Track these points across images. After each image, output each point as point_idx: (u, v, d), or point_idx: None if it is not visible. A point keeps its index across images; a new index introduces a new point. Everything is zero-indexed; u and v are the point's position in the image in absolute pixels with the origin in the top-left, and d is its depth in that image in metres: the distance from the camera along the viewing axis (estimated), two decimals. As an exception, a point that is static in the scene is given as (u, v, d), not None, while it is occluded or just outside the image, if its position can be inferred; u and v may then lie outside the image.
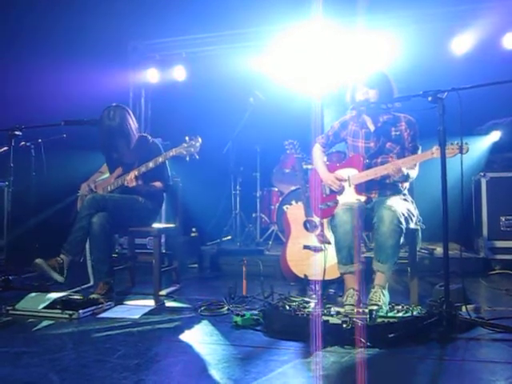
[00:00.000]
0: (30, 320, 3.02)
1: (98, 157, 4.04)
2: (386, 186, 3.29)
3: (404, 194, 3.33)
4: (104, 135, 3.75)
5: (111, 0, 5.46)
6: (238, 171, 5.76)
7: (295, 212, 4.23)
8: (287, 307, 2.85)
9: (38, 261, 3.34)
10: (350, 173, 3.34)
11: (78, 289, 3.74)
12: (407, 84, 3.40)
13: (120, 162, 3.83)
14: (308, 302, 2.97)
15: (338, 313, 2.73)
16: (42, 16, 5.28)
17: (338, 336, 2.48)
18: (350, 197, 3.29)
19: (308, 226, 4.15)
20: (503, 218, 4.69)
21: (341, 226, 3.08)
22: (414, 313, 2.70)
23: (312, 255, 4.02)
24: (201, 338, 2.70)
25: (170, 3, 5.67)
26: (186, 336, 2.73)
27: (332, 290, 3.40)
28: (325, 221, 3.71)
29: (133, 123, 3.82)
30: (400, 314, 2.70)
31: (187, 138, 3.54)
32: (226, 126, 5.63)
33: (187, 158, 3.52)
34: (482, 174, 4.77)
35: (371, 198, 3.27)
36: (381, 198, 3.21)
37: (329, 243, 3.71)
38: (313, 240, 4.07)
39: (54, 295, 3.26)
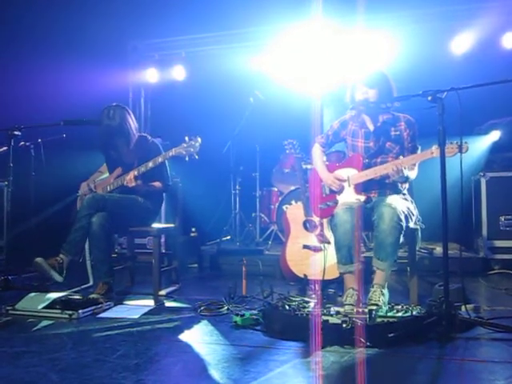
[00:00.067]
0: (30, 320, 3.02)
1: (98, 157, 4.04)
2: (385, 186, 3.29)
3: (404, 194, 3.33)
4: (103, 135, 3.75)
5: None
6: (237, 171, 5.76)
7: (295, 212, 4.23)
8: (287, 307, 2.84)
9: (38, 260, 3.34)
10: (349, 172, 3.34)
11: (77, 289, 3.74)
12: (407, 84, 3.40)
13: (119, 162, 3.83)
14: (308, 302, 2.96)
15: (337, 312, 2.73)
16: (41, 15, 5.27)
17: (337, 336, 2.48)
18: (349, 196, 3.29)
19: (308, 225, 4.15)
20: (503, 218, 4.69)
21: (341, 225, 3.08)
22: (414, 312, 2.70)
23: (312, 255, 4.02)
24: (200, 337, 2.70)
25: (170, 3, 5.67)
26: (186, 336, 2.73)
27: (332, 289, 3.40)
28: (324, 220, 3.72)
29: (132, 123, 3.82)
30: (400, 314, 2.70)
31: (187, 138, 3.54)
32: (226, 126, 5.63)
33: (186, 158, 3.52)
34: (482, 173, 4.77)
35: (371, 198, 3.27)
36: (380, 198, 3.21)
37: (328, 243, 3.71)
38: (312, 240, 4.07)
39: (53, 295, 3.26)
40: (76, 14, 5.37)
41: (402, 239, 3.04)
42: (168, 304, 3.50)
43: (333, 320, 2.60)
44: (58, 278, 3.37)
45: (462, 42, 5.43)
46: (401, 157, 3.18)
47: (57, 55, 5.17)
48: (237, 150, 5.69)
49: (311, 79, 5.81)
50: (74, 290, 3.68)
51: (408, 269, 3.34)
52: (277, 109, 5.65)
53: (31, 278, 4.13)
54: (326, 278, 3.51)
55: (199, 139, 3.53)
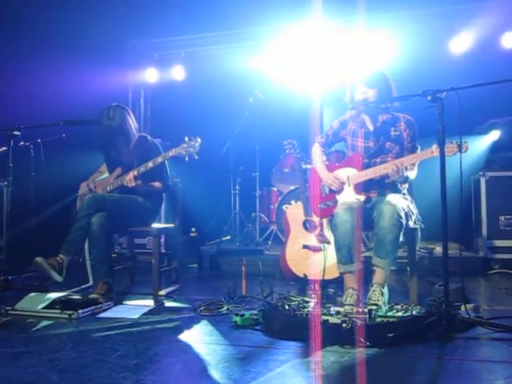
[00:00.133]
0: (30, 320, 3.02)
1: (98, 156, 4.04)
2: (385, 186, 3.29)
3: (403, 194, 3.33)
4: (103, 135, 3.75)
5: (110, -1, 5.47)
6: (237, 171, 5.76)
7: (294, 212, 4.23)
8: (287, 307, 2.84)
9: (38, 259, 3.34)
10: (349, 172, 3.34)
11: (77, 289, 3.74)
12: (406, 83, 3.40)
13: (119, 162, 3.83)
14: (307, 302, 2.96)
15: (337, 312, 2.73)
16: (41, 15, 5.27)
17: (337, 336, 2.48)
18: (349, 196, 3.29)
19: (307, 225, 4.15)
20: (502, 218, 4.69)
21: (341, 225, 3.08)
22: (414, 312, 2.70)
23: (311, 255, 4.02)
24: (200, 337, 2.70)
25: (169, 3, 5.67)
26: (186, 336, 2.73)
27: (331, 289, 3.40)
28: (324, 220, 3.72)
29: (132, 123, 3.81)
30: (399, 314, 2.70)
31: (186, 139, 3.54)
32: (226, 126, 5.63)
33: (186, 159, 3.52)
34: (482, 173, 4.77)
35: (370, 198, 3.26)
36: (380, 198, 3.21)
37: (328, 243, 3.71)
38: (312, 240, 4.07)
39: (53, 295, 3.26)
40: (75, 14, 5.37)
41: (401, 238, 3.04)
42: (168, 304, 3.50)
43: (333, 320, 2.60)
44: (58, 277, 3.37)
45: (462, 42, 5.43)
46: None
47: (56, 55, 5.17)
48: (236, 150, 5.69)
49: (311, 79, 5.81)
50: (73, 290, 3.68)
51: (408, 268, 3.34)
52: (276, 109, 5.65)
53: (31, 277, 4.13)
54: (326, 277, 3.51)
55: (199, 139, 3.53)
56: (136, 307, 3.37)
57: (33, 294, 3.30)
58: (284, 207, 4.53)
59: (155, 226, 3.92)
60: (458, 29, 5.40)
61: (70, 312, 3.04)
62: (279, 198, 5.38)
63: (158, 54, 6.49)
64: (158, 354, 2.42)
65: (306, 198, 4.10)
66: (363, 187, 3.28)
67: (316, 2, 4.99)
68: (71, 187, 4.22)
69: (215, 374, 2.14)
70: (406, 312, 2.71)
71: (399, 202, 3.08)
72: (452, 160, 2.77)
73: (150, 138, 3.93)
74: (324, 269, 3.48)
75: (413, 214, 3.21)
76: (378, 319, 2.61)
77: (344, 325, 2.50)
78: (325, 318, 2.63)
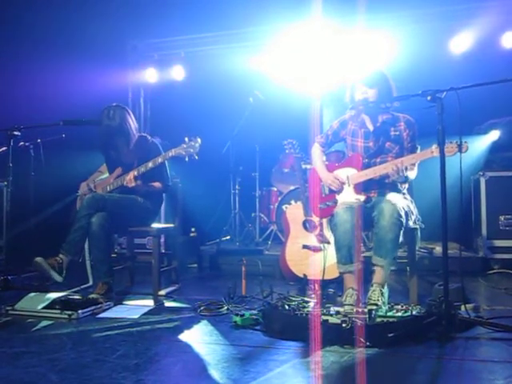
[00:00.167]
0: (30, 320, 3.02)
1: (97, 156, 4.04)
2: (385, 186, 3.29)
3: (403, 194, 3.33)
4: (103, 135, 3.75)
5: (110, -1, 5.47)
6: (237, 171, 5.76)
7: (294, 212, 4.23)
8: (286, 307, 2.85)
9: (38, 259, 3.34)
10: (349, 172, 3.33)
11: (77, 289, 3.74)
12: (406, 83, 3.40)
13: (119, 162, 3.83)
14: (307, 302, 2.97)
15: (337, 312, 2.73)
16: (41, 15, 5.27)
17: (337, 336, 2.49)
18: (349, 196, 3.29)
19: (307, 225, 4.15)
20: (502, 218, 4.69)
21: (341, 225, 3.08)
22: (414, 312, 2.70)
23: (311, 255, 4.02)
24: (200, 337, 2.70)
25: (169, 3, 5.66)
26: (186, 336, 2.73)
27: (331, 289, 3.40)
28: (324, 220, 3.71)
29: (132, 123, 3.81)
30: (399, 314, 2.70)
31: (186, 139, 3.53)
32: (225, 126, 5.63)
33: (186, 159, 3.52)
34: (481, 173, 4.77)
35: (370, 198, 3.26)
36: (380, 198, 3.21)
37: (328, 243, 3.71)
38: (312, 240, 4.07)
39: (53, 295, 3.26)
40: (75, 14, 5.37)
41: (401, 238, 3.03)
42: (168, 304, 3.50)
43: (332, 320, 2.61)
44: (58, 277, 3.37)
45: (462, 42, 5.43)
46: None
47: (56, 55, 5.17)
48: (236, 150, 5.69)
49: (311, 79, 5.81)
50: (73, 290, 3.68)
51: (408, 268, 3.34)
52: (276, 109, 5.65)
53: (31, 278, 4.13)
54: (326, 277, 3.51)
55: (199, 140, 3.53)
56: (136, 307, 3.37)
57: (33, 294, 3.30)
58: (284, 207, 4.53)
59: (155, 226, 3.92)
60: (458, 29, 5.40)
61: (69, 312, 3.04)
62: (279, 198, 5.38)
63: (158, 53, 6.49)
64: (157, 353, 2.42)
65: (306, 198, 4.10)
66: (363, 187, 3.28)
67: (316, 1, 4.99)
68: (71, 187, 4.22)
69: (215, 373, 2.14)
70: (405, 312, 2.72)
71: (399, 201, 3.08)
72: (452, 160, 2.77)
73: (149, 137, 3.93)
74: (324, 269, 3.48)
75: (413, 213, 3.21)
76: (378, 319, 2.61)
77: (344, 325, 2.50)
78: (325, 318, 2.63)
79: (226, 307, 3.19)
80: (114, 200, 3.63)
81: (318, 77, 5.75)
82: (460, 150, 2.79)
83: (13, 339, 2.65)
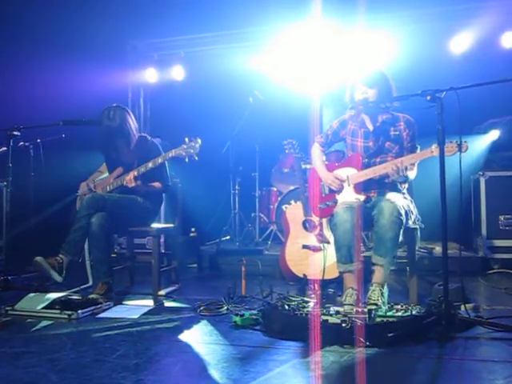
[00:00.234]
0: (29, 320, 3.02)
1: (97, 156, 4.04)
2: (385, 186, 3.29)
3: (403, 193, 3.33)
4: (104, 135, 3.75)
5: (110, -1, 5.47)
6: (236, 171, 5.76)
7: (294, 212, 4.23)
8: (286, 307, 2.85)
9: (38, 259, 3.34)
10: (348, 172, 3.34)
11: (77, 289, 3.74)
12: (406, 83, 3.40)
13: (119, 162, 3.83)
14: (307, 302, 2.97)
15: (337, 312, 2.73)
16: (40, 15, 5.26)
17: (337, 335, 2.48)
18: (349, 196, 3.29)
19: (307, 225, 4.15)
20: (502, 217, 4.69)
21: (341, 224, 3.08)
22: (413, 312, 2.70)
23: (311, 255, 4.02)
24: (200, 337, 2.70)
25: (169, 3, 5.66)
26: (186, 336, 2.73)
27: (331, 289, 3.40)
28: (324, 220, 3.72)
29: (133, 123, 3.81)
30: (399, 314, 2.70)
31: (187, 140, 3.53)
32: (225, 126, 5.63)
33: (186, 160, 3.52)
34: (481, 173, 4.77)
35: (370, 198, 3.26)
36: (380, 197, 3.21)
37: (328, 243, 3.71)
38: (312, 239, 4.07)
39: (53, 295, 3.26)
40: (75, 14, 5.37)
41: (401, 238, 3.03)
42: (167, 304, 3.50)
43: (332, 320, 2.60)
44: (58, 277, 3.37)
45: (462, 42, 5.43)
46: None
47: (56, 55, 5.17)
48: (236, 150, 5.69)
49: (311, 79, 5.81)
50: (73, 290, 3.67)
51: (407, 268, 3.34)
52: (276, 109, 5.65)
53: (31, 278, 4.13)
54: (326, 277, 3.51)
55: (199, 140, 3.52)
56: (136, 307, 3.37)
57: (32, 295, 3.30)
58: (284, 207, 4.53)
59: (155, 225, 3.92)
60: (458, 29, 5.40)
61: (69, 312, 3.04)
62: (279, 198, 5.39)
63: (158, 53, 6.49)
64: (157, 353, 2.42)
65: (306, 198, 4.10)
66: (363, 187, 3.28)
67: (316, 1, 4.99)
68: (71, 187, 4.22)
69: (215, 373, 2.14)
70: (405, 312, 2.72)
71: (399, 200, 3.09)
72: (451, 160, 2.78)
73: (149, 138, 3.93)
74: (324, 269, 3.48)
75: (412, 213, 3.21)
76: (378, 319, 2.61)
77: (344, 325, 2.50)
78: (324, 317, 2.63)
79: (225, 307, 3.19)
80: (113, 200, 3.63)
81: (317, 77, 5.75)
82: (460, 150, 2.79)
83: (13, 339, 2.65)
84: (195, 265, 5.21)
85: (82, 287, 3.81)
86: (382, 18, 5.42)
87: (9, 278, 3.77)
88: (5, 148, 3.86)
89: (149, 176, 3.70)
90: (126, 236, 4.53)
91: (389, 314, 2.71)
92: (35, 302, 3.17)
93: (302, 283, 3.79)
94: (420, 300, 3.17)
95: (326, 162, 3.57)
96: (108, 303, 3.33)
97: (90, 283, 3.83)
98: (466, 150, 2.84)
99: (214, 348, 2.49)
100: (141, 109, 6.63)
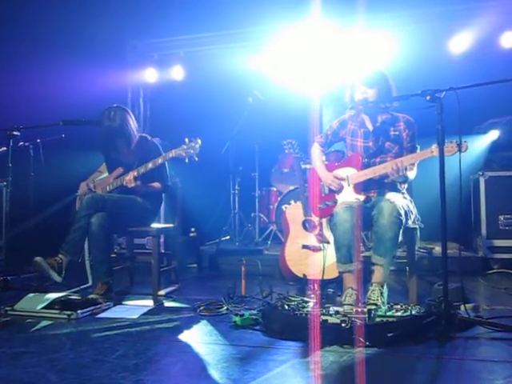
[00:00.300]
0: (29, 320, 3.02)
1: (97, 156, 4.04)
2: (384, 186, 3.29)
3: (403, 193, 3.33)
4: (104, 136, 3.74)
5: (109, -1, 5.46)
6: (236, 171, 5.76)
7: (294, 212, 4.23)
8: (286, 307, 2.85)
9: (38, 259, 3.33)
10: (348, 172, 3.34)
11: (76, 289, 3.74)
12: (406, 83, 3.40)
13: (119, 163, 3.82)
14: (307, 302, 2.97)
15: (336, 312, 2.73)
16: (40, 15, 5.26)
17: (336, 335, 2.48)
18: (348, 196, 3.29)
19: (307, 225, 4.15)
20: (502, 217, 4.69)
21: (340, 224, 3.08)
22: (413, 312, 2.70)
23: (311, 255, 4.02)
24: (200, 337, 2.70)
25: (169, 3, 5.66)
26: (185, 336, 2.73)
27: (331, 289, 3.40)
28: (323, 220, 3.72)
29: (133, 124, 3.81)
30: (399, 314, 2.70)
31: (187, 140, 3.53)
32: (225, 126, 5.63)
33: (186, 160, 3.52)
34: (481, 172, 4.77)
35: (370, 198, 3.26)
36: (380, 197, 3.21)
37: (327, 243, 3.71)
38: (311, 239, 4.07)
39: (52, 295, 3.26)
40: (75, 14, 5.36)
41: (401, 238, 3.03)
42: (167, 304, 3.50)
43: (332, 320, 2.60)
44: (57, 277, 3.37)
45: (461, 42, 5.43)
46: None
47: (55, 55, 5.16)
48: (236, 150, 5.69)
49: (310, 79, 5.81)
50: (73, 290, 3.67)
51: (407, 268, 3.34)
52: (276, 109, 5.65)
53: (30, 278, 4.12)
54: (325, 277, 3.51)
55: (199, 141, 3.52)
56: (135, 307, 3.37)
57: (32, 295, 3.30)
58: (283, 207, 4.53)
59: (154, 226, 3.92)
60: (458, 29, 5.40)
61: (69, 312, 3.04)
62: (278, 198, 5.39)
63: (158, 53, 6.48)
64: (157, 354, 2.42)
65: (306, 198, 4.10)
66: (363, 187, 3.28)
67: (315, 1, 4.99)
68: (71, 187, 4.22)
69: (215, 373, 2.14)
70: (405, 312, 2.72)
71: (399, 200, 3.09)
72: (451, 160, 2.78)
73: (149, 138, 3.92)
74: (323, 269, 3.48)
75: (412, 213, 3.21)
76: (378, 319, 2.61)
77: (343, 324, 2.50)
78: (324, 317, 2.63)
79: (225, 307, 3.19)
80: (113, 200, 3.63)
81: (317, 77, 5.75)
82: (460, 150, 2.79)
83: (12, 339, 2.65)
84: (195, 265, 5.21)
85: (81, 287, 3.80)
86: (381, 18, 5.42)
87: (8, 278, 3.77)
88: (5, 148, 3.86)
89: (149, 176, 3.70)
90: (126, 236, 4.53)
91: (388, 313, 2.71)
92: (35, 302, 3.17)
93: (302, 283, 3.79)
94: (420, 300, 3.17)
95: (326, 162, 3.57)
96: (108, 303, 3.33)
97: (90, 283, 3.83)
98: (465, 150, 2.84)
99: (213, 348, 2.49)
100: (140, 109, 6.62)
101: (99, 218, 3.48)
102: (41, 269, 3.34)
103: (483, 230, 4.71)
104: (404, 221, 3.02)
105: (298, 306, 2.87)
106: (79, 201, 3.95)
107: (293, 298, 3.07)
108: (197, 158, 3.52)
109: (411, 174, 3.24)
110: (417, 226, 3.27)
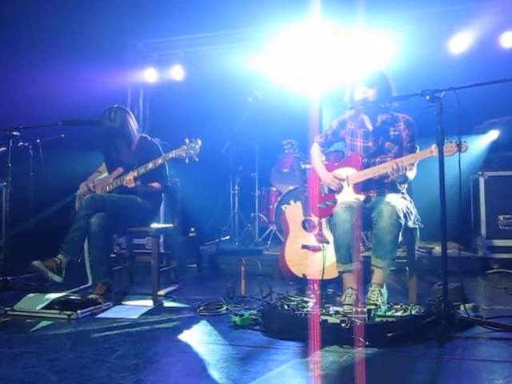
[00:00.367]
0: (29, 320, 3.02)
1: (97, 156, 4.04)
2: (384, 186, 3.29)
3: (403, 193, 3.33)
4: (104, 136, 3.74)
5: (109, -1, 5.47)
6: (236, 171, 5.76)
7: (294, 212, 4.23)
8: (286, 307, 2.85)
9: (35, 262, 3.33)
10: (348, 172, 3.33)
11: (76, 289, 3.74)
12: (406, 83, 3.40)
13: (119, 163, 3.82)
14: (306, 302, 2.97)
15: (336, 312, 2.73)
16: (40, 15, 5.26)
17: (336, 335, 2.48)
18: (348, 196, 3.29)
19: (306, 225, 4.15)
20: (501, 217, 4.69)
21: (340, 224, 3.08)
22: (413, 312, 2.70)
23: (310, 255, 4.02)
24: (199, 337, 2.70)
25: (168, 3, 5.66)
26: (185, 336, 2.72)
27: (331, 289, 3.40)
28: (323, 220, 3.72)
29: (133, 124, 3.81)
30: (399, 313, 2.70)
31: (187, 140, 3.53)
32: (225, 126, 5.63)
33: (186, 161, 3.52)
34: (481, 172, 4.77)
35: (370, 198, 3.26)
36: (379, 197, 3.21)
37: (327, 242, 3.71)
38: (311, 239, 4.07)
39: (52, 295, 3.26)
40: (74, 14, 5.36)
41: (400, 238, 3.04)
42: (167, 304, 3.50)
43: (332, 320, 2.60)
44: (57, 278, 3.37)
45: (461, 42, 5.43)
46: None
47: (55, 55, 5.16)
48: (235, 150, 5.69)
49: (310, 79, 5.81)
50: (72, 290, 3.67)
51: (407, 268, 3.34)
52: (276, 109, 5.65)
53: (30, 278, 4.12)
54: (325, 277, 3.51)
55: (199, 141, 3.52)
56: (135, 307, 3.37)
57: (32, 295, 3.30)
58: (283, 207, 4.53)
59: (154, 226, 3.92)
60: (458, 29, 5.40)
61: (68, 312, 3.04)
62: (278, 198, 5.39)
63: (157, 53, 6.48)
64: (157, 354, 2.42)
65: (305, 198, 4.10)
66: (362, 187, 3.28)
67: (315, 1, 4.99)
68: (70, 187, 4.22)
69: (214, 373, 2.14)
70: (405, 312, 2.72)
71: (398, 202, 3.08)
72: (451, 160, 2.78)
73: (150, 138, 3.92)
74: (323, 268, 3.48)
75: (412, 213, 3.21)
76: (377, 319, 2.61)
77: (343, 324, 2.50)
78: (324, 317, 2.63)
79: (225, 307, 3.19)
80: (113, 200, 3.63)
81: (317, 77, 5.75)
82: (459, 150, 2.79)
83: (12, 339, 2.65)
84: (194, 265, 5.21)
85: (81, 287, 3.80)
86: (381, 18, 5.42)
87: (8, 278, 3.78)
88: (4, 148, 3.86)
89: (148, 176, 3.70)
90: (126, 236, 4.54)
91: (388, 313, 2.71)
92: (34, 303, 3.17)
93: (302, 283, 3.79)
94: (419, 300, 3.17)
95: (326, 162, 3.57)
96: (107, 303, 3.33)
97: (90, 283, 3.83)
98: (465, 149, 2.84)
99: (213, 348, 2.49)
100: (140, 109, 6.62)
101: (99, 218, 3.47)
102: (39, 272, 3.33)
103: (483, 230, 4.71)
104: (403, 223, 3.02)
105: (297, 306, 2.87)
106: (79, 201, 3.95)
107: (292, 298, 3.07)
108: (197, 159, 3.52)
109: (411, 174, 3.24)
110: (417, 226, 3.27)
